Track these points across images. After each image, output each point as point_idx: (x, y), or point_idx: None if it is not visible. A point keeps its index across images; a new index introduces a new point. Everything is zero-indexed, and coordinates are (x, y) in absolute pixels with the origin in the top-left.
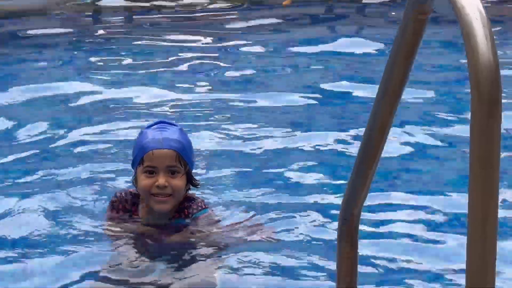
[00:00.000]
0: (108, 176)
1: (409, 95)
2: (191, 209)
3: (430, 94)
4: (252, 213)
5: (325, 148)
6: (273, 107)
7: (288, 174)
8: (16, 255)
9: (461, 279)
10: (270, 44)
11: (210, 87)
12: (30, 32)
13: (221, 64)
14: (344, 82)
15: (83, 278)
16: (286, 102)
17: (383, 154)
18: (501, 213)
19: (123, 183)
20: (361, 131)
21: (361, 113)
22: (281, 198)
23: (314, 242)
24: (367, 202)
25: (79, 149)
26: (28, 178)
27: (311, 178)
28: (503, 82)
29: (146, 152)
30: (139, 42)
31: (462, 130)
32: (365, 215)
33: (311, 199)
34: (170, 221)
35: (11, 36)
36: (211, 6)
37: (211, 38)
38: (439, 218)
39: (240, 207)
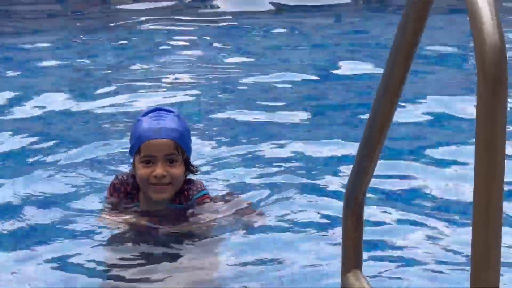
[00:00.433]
0: (107, 159)
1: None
2: (191, 191)
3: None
4: (251, 194)
5: (333, 130)
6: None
7: (293, 156)
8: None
9: (467, 266)
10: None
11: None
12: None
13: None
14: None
15: (80, 274)
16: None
17: (391, 134)
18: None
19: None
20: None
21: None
22: (285, 179)
23: (320, 223)
24: (373, 184)
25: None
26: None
27: (317, 160)
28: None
29: (143, 142)
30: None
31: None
32: (371, 198)
33: (317, 180)
34: (169, 206)
35: None
36: None
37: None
38: (447, 202)
39: (238, 190)
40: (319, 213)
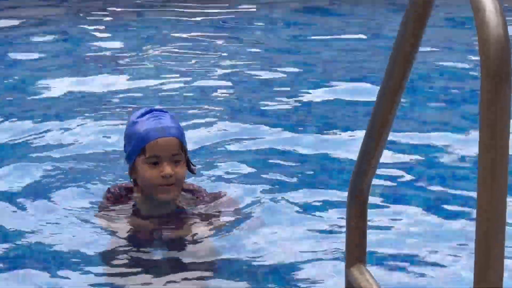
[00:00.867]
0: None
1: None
2: (202, 197)
3: None
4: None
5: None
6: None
7: (295, 149)
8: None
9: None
10: None
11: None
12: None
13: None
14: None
15: (80, 278)
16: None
17: (396, 126)
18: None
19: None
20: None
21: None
22: (287, 172)
23: (323, 217)
24: (378, 174)
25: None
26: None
27: (321, 154)
28: None
29: (149, 141)
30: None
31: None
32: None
33: (320, 174)
34: (177, 211)
35: None
36: None
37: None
38: (452, 197)
39: (236, 183)
40: (322, 206)
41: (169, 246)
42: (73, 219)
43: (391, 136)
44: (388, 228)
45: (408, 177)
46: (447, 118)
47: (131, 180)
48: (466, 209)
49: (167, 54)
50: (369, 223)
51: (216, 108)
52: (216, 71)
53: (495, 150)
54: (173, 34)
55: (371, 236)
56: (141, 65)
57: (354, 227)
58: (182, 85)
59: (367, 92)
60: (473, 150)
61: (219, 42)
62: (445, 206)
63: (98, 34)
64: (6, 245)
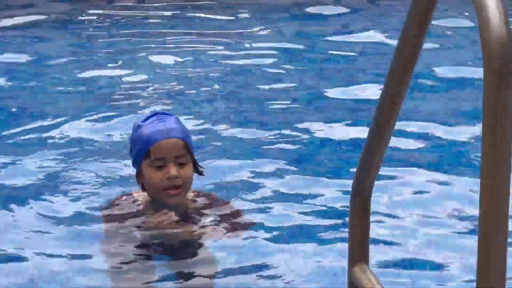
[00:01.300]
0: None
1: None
2: (212, 203)
3: None
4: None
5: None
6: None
7: (298, 147)
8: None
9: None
10: None
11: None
12: None
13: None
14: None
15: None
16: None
17: (398, 126)
18: None
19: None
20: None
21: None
22: (289, 171)
23: (326, 216)
24: (381, 174)
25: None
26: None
27: (324, 151)
28: None
29: (153, 144)
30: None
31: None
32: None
33: (323, 172)
34: (185, 212)
35: None
36: None
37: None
38: (454, 197)
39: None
40: (325, 205)
41: (176, 249)
42: (76, 217)
43: (395, 134)
44: (391, 227)
45: (411, 175)
46: (451, 116)
47: (139, 185)
48: (470, 208)
49: (170, 51)
50: (372, 222)
51: (216, 108)
52: (218, 70)
53: (497, 149)
54: (176, 31)
55: (374, 235)
56: (144, 63)
57: (356, 225)
58: (186, 84)
59: (370, 90)
60: (477, 150)
61: (222, 40)
62: (449, 205)
63: (102, 31)
64: (6, 245)
